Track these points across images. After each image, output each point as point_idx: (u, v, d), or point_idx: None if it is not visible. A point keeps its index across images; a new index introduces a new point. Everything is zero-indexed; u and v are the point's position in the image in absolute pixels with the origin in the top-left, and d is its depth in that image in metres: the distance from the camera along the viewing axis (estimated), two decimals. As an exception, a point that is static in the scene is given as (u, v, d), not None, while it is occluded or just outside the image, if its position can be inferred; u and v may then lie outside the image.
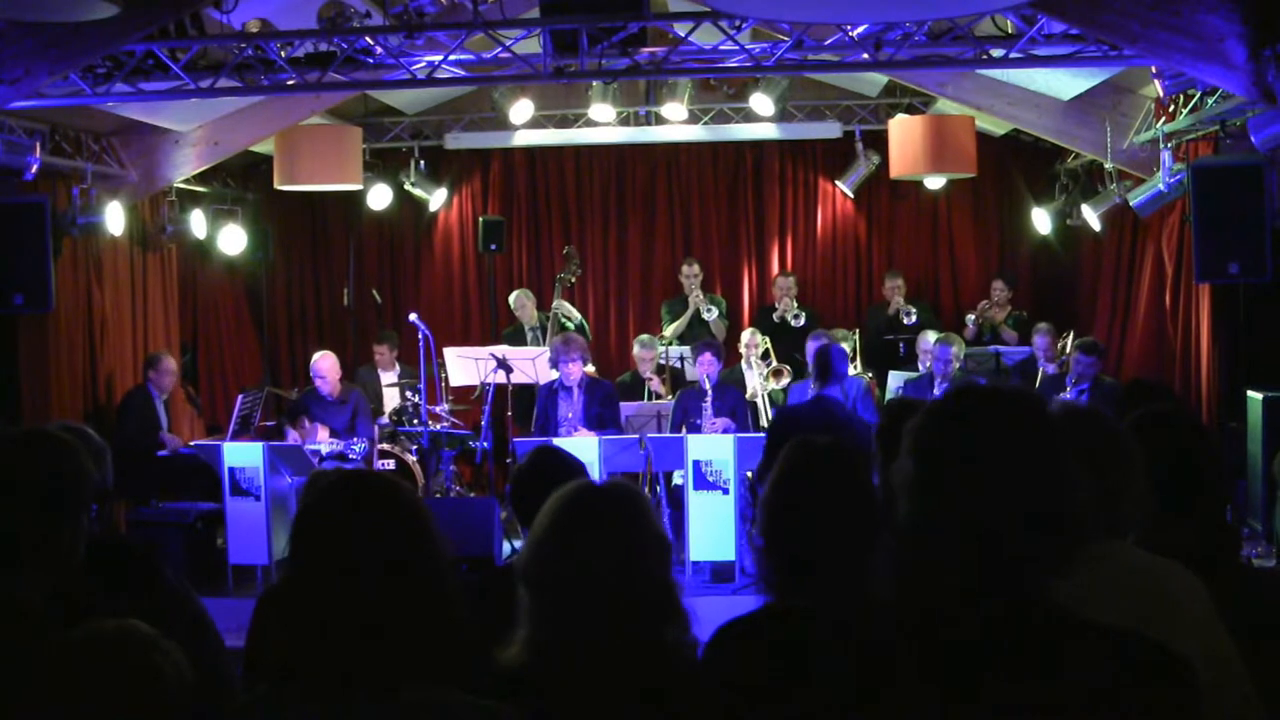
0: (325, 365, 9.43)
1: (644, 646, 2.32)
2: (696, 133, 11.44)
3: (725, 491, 8.04)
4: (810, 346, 8.68)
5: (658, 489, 8.54)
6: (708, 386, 8.79)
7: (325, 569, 1.90)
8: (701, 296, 11.09)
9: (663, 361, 10.25)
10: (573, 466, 3.58)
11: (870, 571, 2.42)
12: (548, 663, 2.29)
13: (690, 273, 11.21)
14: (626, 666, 2.29)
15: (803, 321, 10.76)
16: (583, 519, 2.36)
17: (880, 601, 2.37)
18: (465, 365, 9.81)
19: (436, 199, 12.08)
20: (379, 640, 1.88)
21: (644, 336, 10.42)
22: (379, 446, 9.37)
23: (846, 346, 10.44)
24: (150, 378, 9.42)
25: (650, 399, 9.86)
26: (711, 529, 8.05)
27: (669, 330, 11.04)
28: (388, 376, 10.59)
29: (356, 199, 11.52)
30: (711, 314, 10.98)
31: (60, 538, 2.48)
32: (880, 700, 1.80)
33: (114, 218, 9.10)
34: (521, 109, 10.67)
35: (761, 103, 10.50)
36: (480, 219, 11.72)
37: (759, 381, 10.01)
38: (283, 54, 7.47)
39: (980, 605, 1.77)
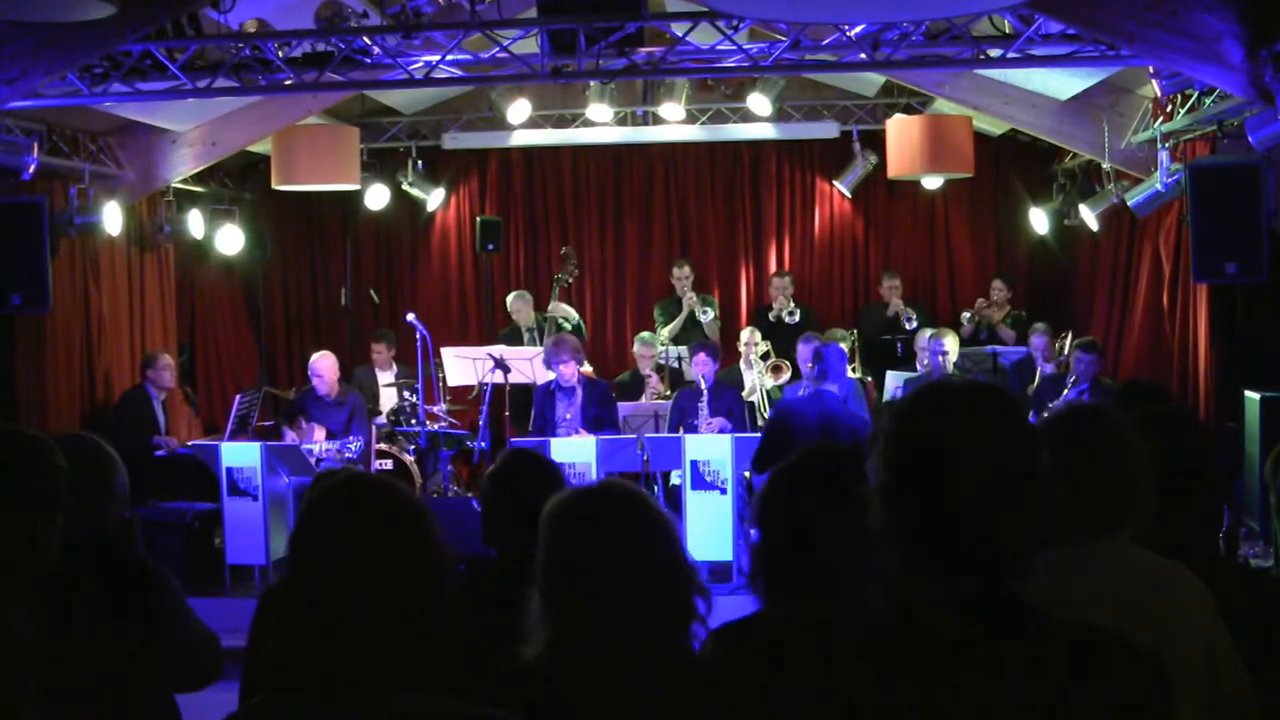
0: (323, 365, 9.42)
1: (665, 647, 2.32)
2: (694, 133, 11.43)
3: (723, 491, 8.05)
4: (801, 349, 8.67)
5: (655, 489, 8.54)
6: (704, 386, 8.79)
7: (325, 572, 1.87)
8: (695, 298, 11.06)
9: (661, 361, 10.23)
10: (553, 473, 3.45)
11: (866, 577, 2.41)
12: (569, 667, 2.29)
13: (681, 274, 11.17)
14: (648, 669, 2.29)
15: (797, 319, 10.74)
16: (595, 524, 2.35)
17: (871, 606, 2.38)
18: (463, 365, 9.80)
19: (434, 199, 12.08)
20: (379, 645, 1.84)
21: (644, 334, 10.40)
22: (376, 446, 9.36)
23: (844, 346, 10.45)
24: (148, 376, 9.41)
25: (649, 397, 9.85)
26: (709, 529, 8.06)
27: (664, 332, 11.01)
28: (385, 376, 10.58)
29: (354, 199, 11.51)
30: (707, 315, 10.95)
31: (33, 538, 2.43)
32: (865, 706, 1.80)
33: (111, 218, 9.09)
34: (519, 109, 10.67)
35: (759, 103, 10.50)
36: (477, 219, 11.71)
37: (758, 379, 10.01)
38: (280, 54, 7.46)
39: (954, 607, 1.77)
